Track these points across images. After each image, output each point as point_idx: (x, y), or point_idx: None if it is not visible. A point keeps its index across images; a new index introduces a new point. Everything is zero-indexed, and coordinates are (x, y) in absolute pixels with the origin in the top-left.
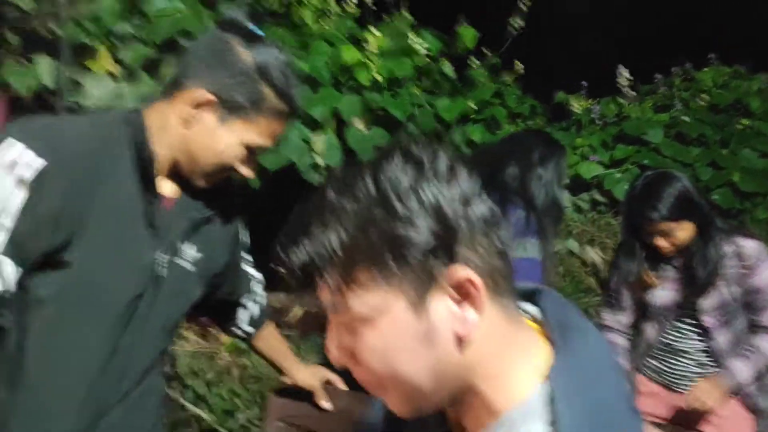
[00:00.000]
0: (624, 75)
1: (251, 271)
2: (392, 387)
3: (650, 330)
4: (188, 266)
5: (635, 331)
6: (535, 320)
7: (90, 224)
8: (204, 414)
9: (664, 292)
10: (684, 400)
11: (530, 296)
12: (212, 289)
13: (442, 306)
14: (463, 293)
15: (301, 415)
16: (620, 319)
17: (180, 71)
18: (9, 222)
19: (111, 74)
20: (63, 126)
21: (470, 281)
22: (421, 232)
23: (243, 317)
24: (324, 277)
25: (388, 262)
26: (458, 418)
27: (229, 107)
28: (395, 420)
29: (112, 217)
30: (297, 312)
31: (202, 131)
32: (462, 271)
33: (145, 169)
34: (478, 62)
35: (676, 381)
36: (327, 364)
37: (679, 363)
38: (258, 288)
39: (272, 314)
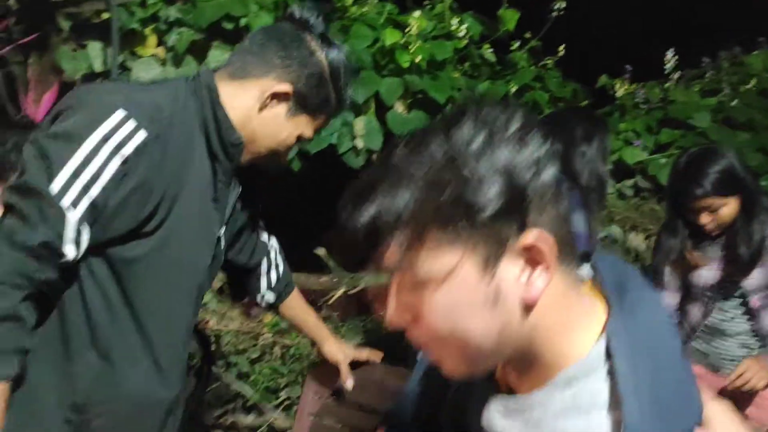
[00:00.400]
0: (670, 59)
1: (266, 238)
2: (453, 347)
3: (695, 311)
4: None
5: (680, 312)
6: (589, 280)
7: (179, 197)
8: (247, 391)
9: (708, 272)
10: (728, 380)
11: (582, 258)
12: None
13: (511, 270)
14: (533, 258)
15: (337, 387)
16: (668, 302)
17: (249, 58)
18: (96, 191)
19: (158, 58)
20: (154, 96)
21: (541, 246)
22: (492, 195)
23: (264, 284)
24: (392, 236)
25: (458, 225)
26: (506, 377)
27: (301, 103)
28: (436, 390)
29: (195, 190)
30: (338, 294)
31: (271, 118)
32: (533, 236)
33: (225, 145)
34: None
35: (721, 363)
36: (368, 345)
37: (724, 345)
38: (275, 255)
39: (313, 296)
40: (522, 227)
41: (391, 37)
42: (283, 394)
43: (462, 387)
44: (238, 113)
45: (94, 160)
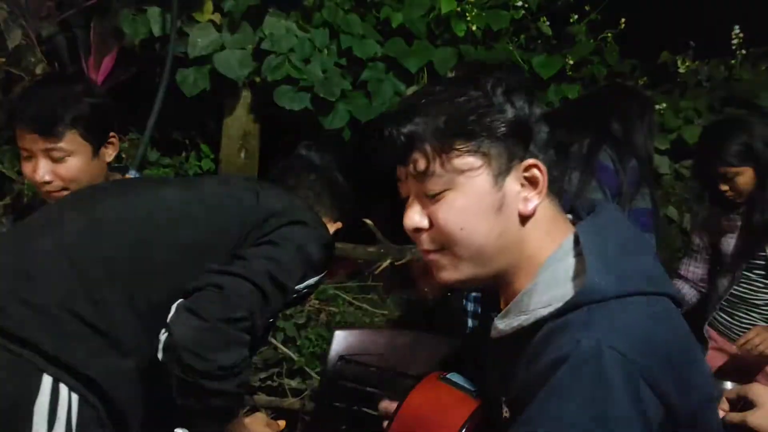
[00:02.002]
0: (737, 35)
1: None
2: (458, 246)
3: (722, 281)
4: None
5: (708, 284)
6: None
7: None
8: (293, 355)
9: (733, 240)
10: (736, 344)
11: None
12: None
13: (514, 186)
14: (531, 179)
15: (363, 352)
16: (694, 270)
17: (319, 203)
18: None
19: (214, 24)
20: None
21: (538, 168)
22: (508, 119)
23: None
24: (426, 144)
25: (482, 137)
26: (505, 305)
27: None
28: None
29: None
30: (384, 265)
31: None
32: (532, 161)
33: None
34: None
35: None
36: (410, 317)
37: (748, 316)
38: None
39: (360, 266)
40: (526, 151)
41: (447, 4)
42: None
43: (477, 333)
44: None
45: (305, 289)
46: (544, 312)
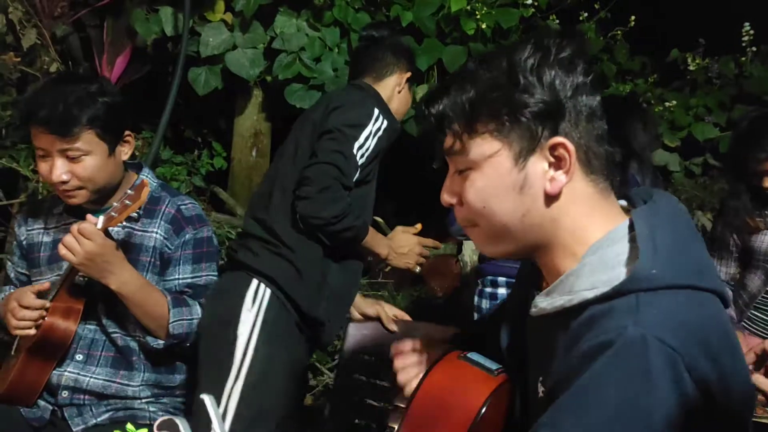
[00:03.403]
0: (747, 32)
1: None
2: (484, 223)
3: (755, 280)
4: None
5: (736, 284)
6: (626, 210)
7: None
8: None
9: (767, 237)
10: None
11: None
12: None
13: (538, 165)
14: (557, 158)
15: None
16: (724, 269)
17: (378, 66)
18: (367, 155)
19: (226, 23)
20: (376, 98)
21: (564, 147)
22: (535, 101)
23: None
24: (452, 123)
25: (503, 119)
26: (547, 282)
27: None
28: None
29: None
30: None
31: (405, 95)
32: (559, 139)
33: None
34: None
35: None
36: (419, 313)
37: None
38: None
39: (372, 265)
40: (554, 132)
41: (457, 3)
42: (339, 357)
43: (517, 307)
44: (393, 100)
45: (369, 137)
46: (589, 295)
